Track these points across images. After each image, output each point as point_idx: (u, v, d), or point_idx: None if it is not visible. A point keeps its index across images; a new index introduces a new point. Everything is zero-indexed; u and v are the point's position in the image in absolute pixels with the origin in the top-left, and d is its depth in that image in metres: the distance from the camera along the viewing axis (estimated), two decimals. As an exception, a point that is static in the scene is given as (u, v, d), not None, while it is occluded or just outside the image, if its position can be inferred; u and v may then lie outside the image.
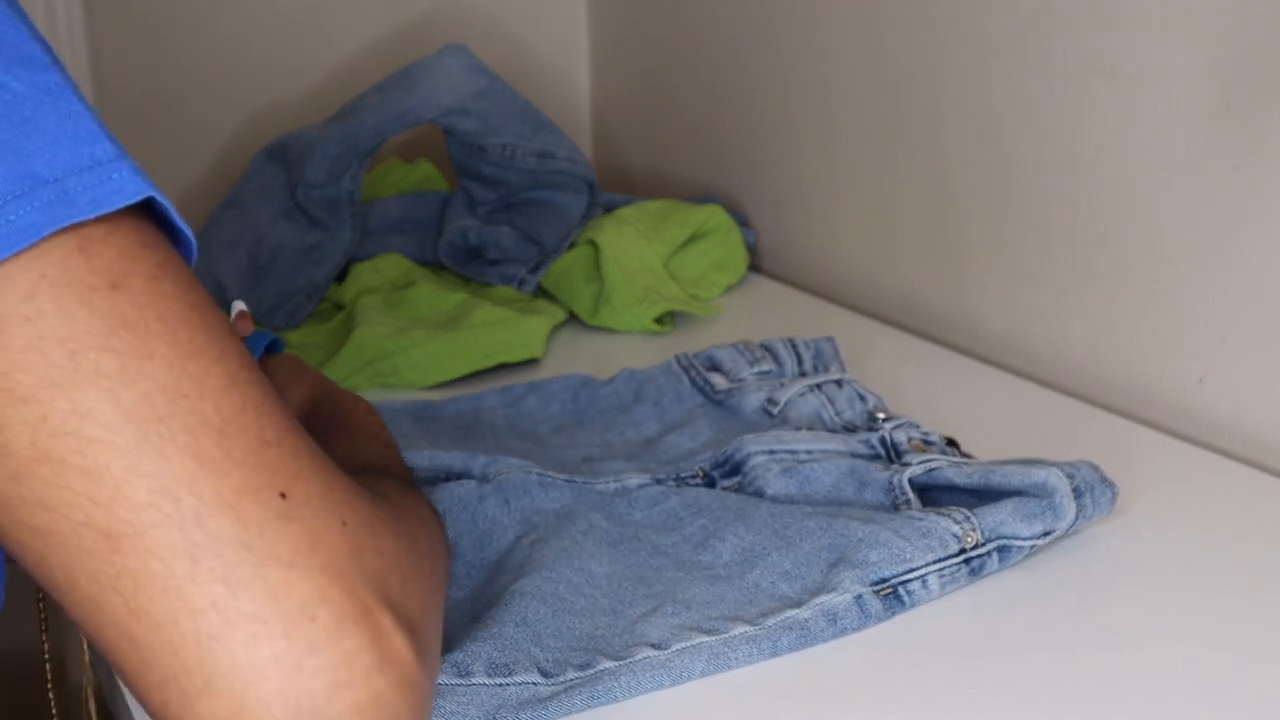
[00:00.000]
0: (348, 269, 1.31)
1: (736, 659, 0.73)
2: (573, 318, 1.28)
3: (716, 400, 1.02)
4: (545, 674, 0.71)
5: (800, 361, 1.05)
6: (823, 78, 1.29)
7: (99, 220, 0.50)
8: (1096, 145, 1.03)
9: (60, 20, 1.38)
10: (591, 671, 0.71)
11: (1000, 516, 0.80)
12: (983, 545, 0.80)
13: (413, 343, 1.15)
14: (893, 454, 0.91)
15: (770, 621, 0.75)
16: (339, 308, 1.28)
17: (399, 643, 0.50)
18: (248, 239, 1.29)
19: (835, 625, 0.76)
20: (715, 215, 1.34)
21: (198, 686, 0.48)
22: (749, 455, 0.90)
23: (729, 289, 1.34)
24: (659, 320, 1.25)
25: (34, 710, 0.79)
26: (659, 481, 0.90)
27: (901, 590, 0.78)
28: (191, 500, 0.48)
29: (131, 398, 0.48)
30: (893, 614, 0.77)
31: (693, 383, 1.04)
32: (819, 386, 0.99)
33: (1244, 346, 0.96)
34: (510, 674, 0.70)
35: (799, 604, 0.76)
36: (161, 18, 1.45)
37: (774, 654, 0.74)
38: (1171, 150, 0.98)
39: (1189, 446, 0.97)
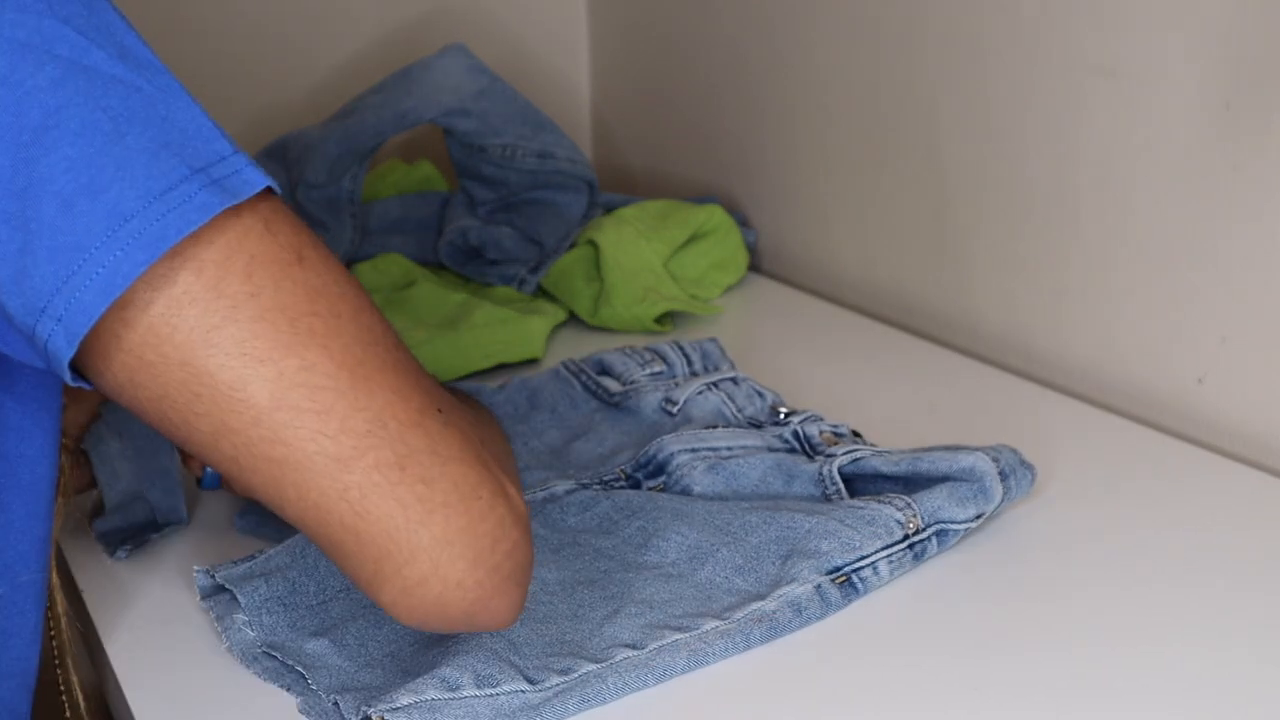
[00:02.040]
0: (348, 269, 1.31)
1: (713, 653, 0.75)
2: (573, 317, 1.28)
3: (613, 404, 1.02)
4: (530, 681, 0.72)
5: (689, 362, 1.05)
6: (823, 78, 1.29)
7: (264, 202, 0.60)
8: (1096, 145, 1.03)
9: (60, 20, 1.38)
10: (575, 675, 0.72)
11: (937, 501, 0.83)
12: (924, 530, 0.82)
13: (413, 343, 1.15)
14: (806, 446, 0.93)
15: (738, 615, 0.77)
16: (339, 308, 1.28)
17: (518, 503, 0.66)
18: (248, 239, 1.29)
19: (801, 615, 0.77)
20: (715, 215, 1.34)
21: (405, 558, 0.62)
22: (672, 454, 0.91)
23: (729, 289, 1.34)
24: (659, 320, 1.25)
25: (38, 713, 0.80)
26: (584, 486, 0.91)
27: (855, 578, 0.80)
28: (394, 424, 0.62)
29: (339, 350, 0.61)
30: (849, 601, 0.79)
31: (585, 387, 1.04)
32: (716, 384, 1.00)
33: (1244, 346, 0.96)
34: (497, 684, 0.71)
35: (761, 597, 0.78)
36: (160, 18, 1.45)
37: (747, 646, 0.76)
38: (1171, 150, 0.98)
39: (1188, 446, 0.98)
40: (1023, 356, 1.13)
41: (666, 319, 1.26)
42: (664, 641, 0.75)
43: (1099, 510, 0.89)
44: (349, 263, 1.31)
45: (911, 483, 0.86)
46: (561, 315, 1.27)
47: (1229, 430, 0.97)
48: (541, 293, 1.30)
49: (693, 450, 0.91)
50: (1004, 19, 1.09)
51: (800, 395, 1.05)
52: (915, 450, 0.87)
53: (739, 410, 0.98)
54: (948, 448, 0.86)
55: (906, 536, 0.82)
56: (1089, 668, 0.73)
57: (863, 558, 0.80)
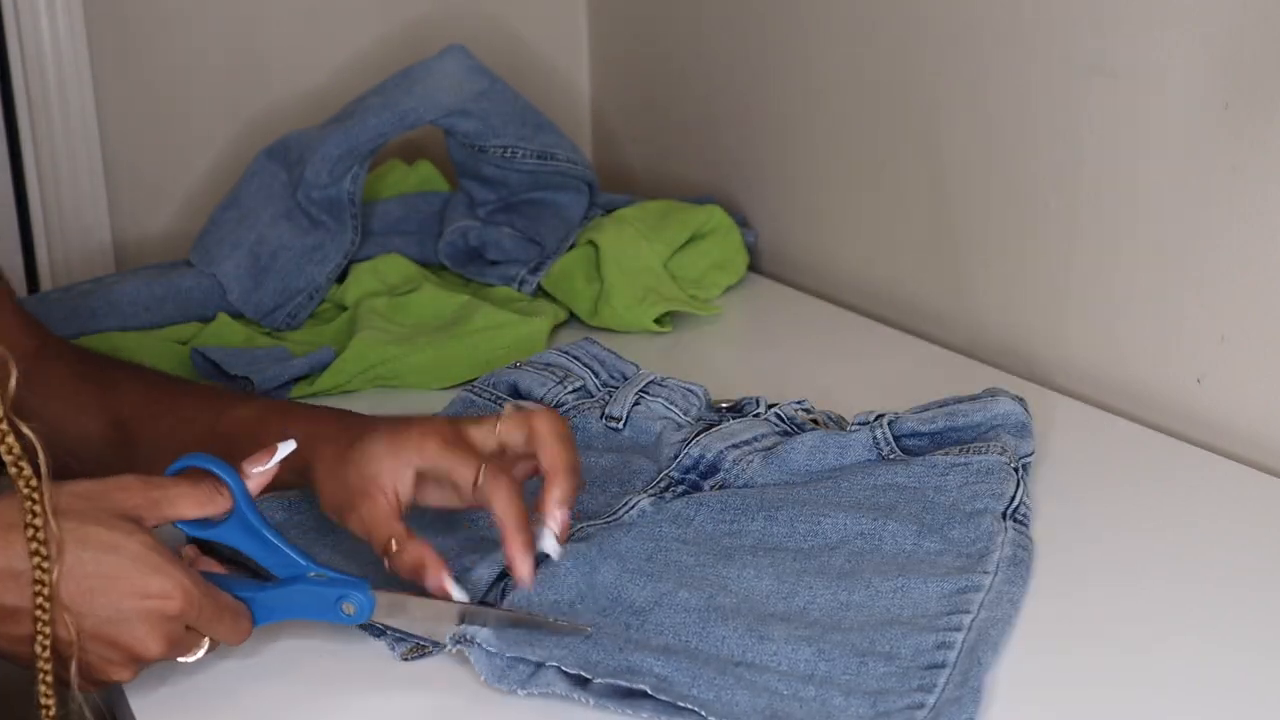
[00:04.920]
0: (347, 270, 1.31)
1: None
2: (573, 318, 1.28)
3: None
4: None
5: (594, 373, 1.03)
6: (823, 78, 1.29)
7: None
8: (1096, 145, 1.04)
9: (60, 20, 1.38)
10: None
11: (1012, 441, 0.89)
12: (1017, 463, 0.88)
13: (415, 348, 1.15)
14: (792, 428, 0.95)
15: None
16: (341, 308, 1.28)
17: None
18: (248, 239, 1.29)
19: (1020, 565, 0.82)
20: (715, 215, 1.34)
21: None
22: (722, 453, 0.91)
23: (729, 289, 1.34)
24: (659, 320, 1.25)
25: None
26: (659, 496, 0.90)
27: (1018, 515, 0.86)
28: None
29: None
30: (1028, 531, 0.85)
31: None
32: (645, 390, 0.99)
33: (1243, 346, 0.96)
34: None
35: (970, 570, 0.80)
36: (161, 18, 1.45)
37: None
38: (1171, 150, 0.98)
39: (1188, 446, 0.98)
40: (1022, 357, 1.13)
41: (666, 319, 1.26)
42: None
43: (1097, 509, 0.90)
44: (349, 264, 1.31)
45: (941, 439, 0.90)
46: (562, 316, 1.27)
47: (1228, 430, 0.97)
48: (542, 293, 1.30)
49: (734, 446, 0.92)
50: (1003, 19, 1.09)
51: (799, 395, 1.05)
52: (934, 406, 0.92)
53: (685, 412, 0.98)
54: (968, 398, 0.92)
55: (1016, 470, 0.88)
56: (1087, 666, 0.73)
57: (1013, 503, 0.86)
